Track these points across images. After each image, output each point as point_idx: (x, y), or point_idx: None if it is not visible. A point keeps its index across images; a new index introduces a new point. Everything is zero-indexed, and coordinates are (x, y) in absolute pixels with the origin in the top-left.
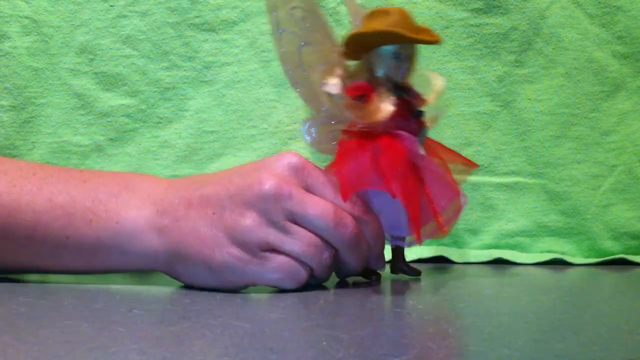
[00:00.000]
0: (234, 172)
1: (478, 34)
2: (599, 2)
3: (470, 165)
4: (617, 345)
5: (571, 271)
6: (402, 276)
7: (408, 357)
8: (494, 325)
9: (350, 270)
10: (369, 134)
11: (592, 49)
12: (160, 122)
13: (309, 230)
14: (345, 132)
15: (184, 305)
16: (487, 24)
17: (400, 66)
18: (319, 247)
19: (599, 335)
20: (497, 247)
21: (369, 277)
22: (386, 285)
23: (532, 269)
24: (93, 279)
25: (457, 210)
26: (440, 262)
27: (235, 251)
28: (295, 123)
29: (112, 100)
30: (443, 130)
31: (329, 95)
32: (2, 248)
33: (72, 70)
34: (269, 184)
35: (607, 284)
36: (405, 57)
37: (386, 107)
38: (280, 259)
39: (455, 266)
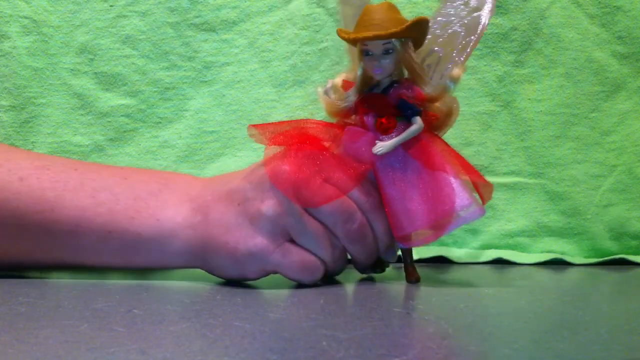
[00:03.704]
0: (259, 163)
1: None
2: (599, 2)
3: (474, 176)
4: (617, 345)
5: (571, 271)
6: (403, 277)
7: (408, 357)
8: (494, 325)
9: (358, 263)
10: (338, 125)
11: (592, 49)
12: (160, 122)
13: (321, 223)
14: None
15: (184, 305)
16: None
17: (372, 63)
18: (331, 242)
19: (599, 335)
20: (497, 247)
21: (375, 269)
22: (386, 285)
23: (532, 269)
24: (93, 279)
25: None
26: (440, 262)
27: (259, 241)
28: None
29: (112, 100)
30: None
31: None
32: (45, 243)
33: (72, 70)
34: (284, 171)
35: (607, 284)
36: (379, 54)
37: (334, 102)
38: (300, 253)
39: (455, 266)
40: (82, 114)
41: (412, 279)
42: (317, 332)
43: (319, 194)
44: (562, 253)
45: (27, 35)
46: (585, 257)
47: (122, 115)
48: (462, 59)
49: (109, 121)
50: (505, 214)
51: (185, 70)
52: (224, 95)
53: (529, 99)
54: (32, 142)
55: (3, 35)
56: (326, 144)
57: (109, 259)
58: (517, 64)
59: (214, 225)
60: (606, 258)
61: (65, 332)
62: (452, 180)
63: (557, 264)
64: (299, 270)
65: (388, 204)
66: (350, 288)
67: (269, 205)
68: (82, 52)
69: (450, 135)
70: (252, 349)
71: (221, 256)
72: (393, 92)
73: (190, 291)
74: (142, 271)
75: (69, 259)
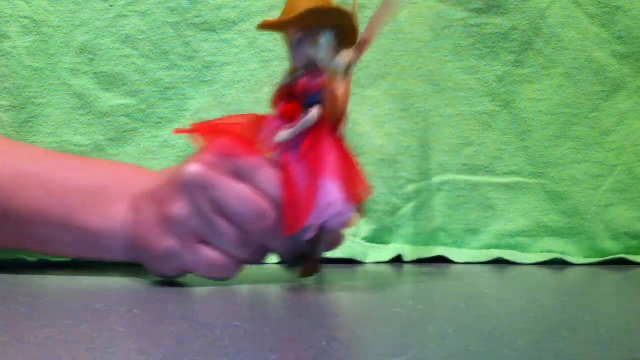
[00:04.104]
0: (182, 162)
1: (478, 34)
2: (599, 2)
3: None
4: (617, 345)
5: (571, 271)
6: (402, 277)
7: (408, 357)
8: (494, 325)
9: (283, 257)
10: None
11: (592, 49)
12: (160, 122)
13: (233, 222)
14: None
15: (184, 305)
16: (487, 24)
17: (292, 51)
18: (243, 241)
19: (599, 335)
20: (497, 247)
21: (302, 263)
22: (386, 285)
23: (532, 269)
24: (93, 278)
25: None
26: (440, 262)
27: (171, 242)
28: None
29: (112, 100)
30: (443, 130)
31: None
32: (5, 232)
33: (72, 70)
34: (194, 171)
35: (607, 284)
36: (295, 43)
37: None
38: (211, 254)
39: (455, 266)
40: (82, 114)
41: (306, 272)
42: (317, 332)
43: (228, 192)
44: (562, 253)
45: (27, 35)
46: (585, 257)
47: (122, 115)
48: (364, 38)
49: (109, 121)
50: (505, 214)
51: (185, 70)
52: (224, 95)
53: (529, 99)
54: (32, 142)
55: (3, 35)
56: (247, 138)
57: (60, 251)
58: (517, 64)
59: (140, 224)
60: (606, 258)
61: (65, 332)
62: (327, 181)
63: (557, 264)
64: (211, 270)
65: (282, 193)
66: (350, 289)
67: (178, 207)
68: (82, 52)
69: (450, 135)
70: (252, 349)
71: (145, 253)
72: (299, 80)
73: (190, 291)
74: (142, 271)
75: (26, 245)
